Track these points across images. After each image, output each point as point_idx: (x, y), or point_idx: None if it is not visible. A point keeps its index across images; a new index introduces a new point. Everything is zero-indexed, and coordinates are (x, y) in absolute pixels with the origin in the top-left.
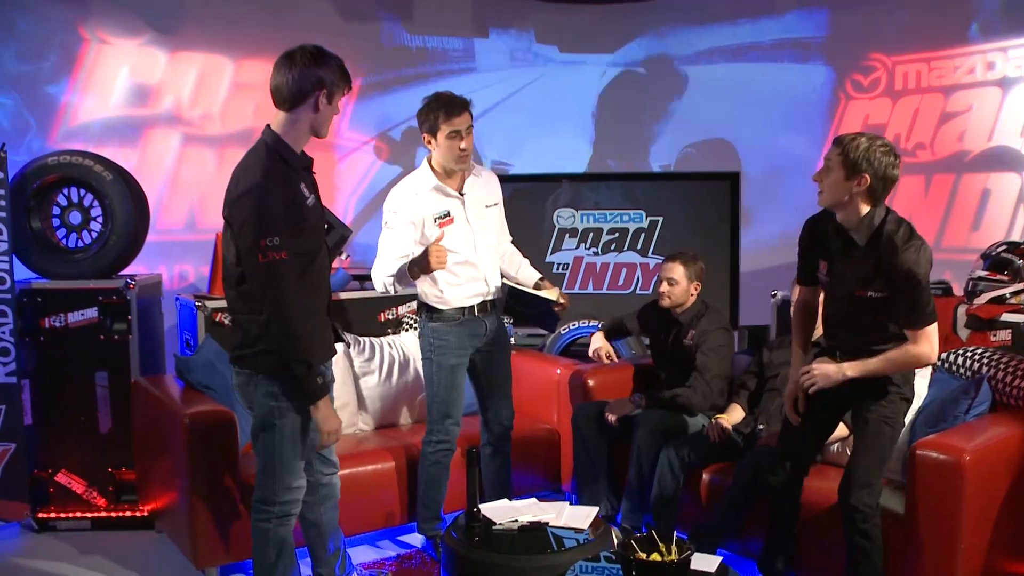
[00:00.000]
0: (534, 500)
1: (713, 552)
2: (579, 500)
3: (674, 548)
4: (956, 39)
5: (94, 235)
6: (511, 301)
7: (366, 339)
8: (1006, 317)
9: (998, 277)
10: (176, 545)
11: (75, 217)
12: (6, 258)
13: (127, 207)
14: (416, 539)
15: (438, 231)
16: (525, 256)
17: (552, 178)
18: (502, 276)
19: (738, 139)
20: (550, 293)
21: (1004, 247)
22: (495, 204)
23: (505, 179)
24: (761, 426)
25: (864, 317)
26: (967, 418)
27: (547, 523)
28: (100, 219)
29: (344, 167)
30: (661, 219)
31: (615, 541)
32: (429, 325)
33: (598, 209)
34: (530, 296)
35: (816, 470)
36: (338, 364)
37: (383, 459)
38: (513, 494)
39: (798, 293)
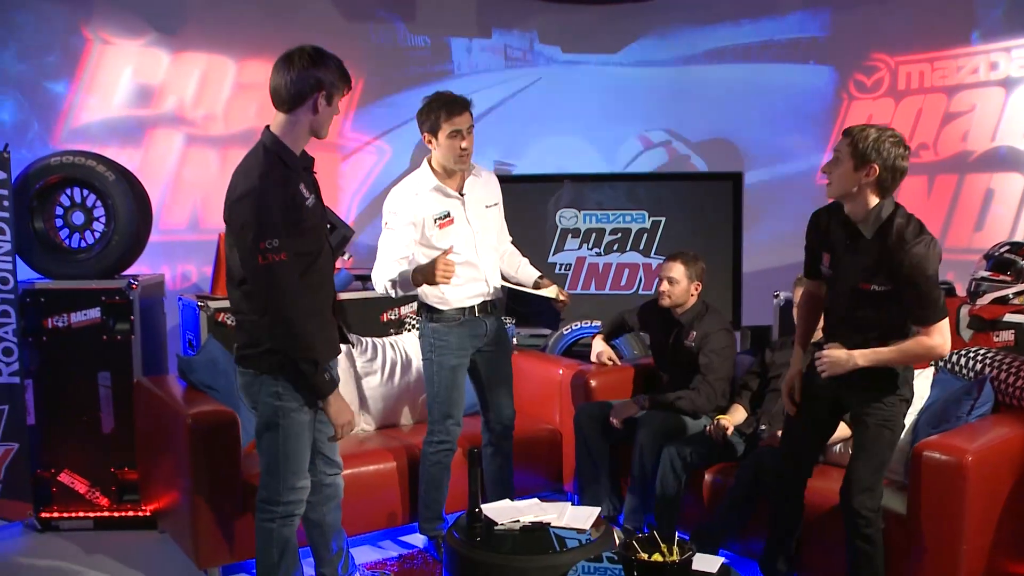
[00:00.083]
0: (536, 500)
1: (715, 553)
2: (581, 501)
3: (675, 549)
4: (959, 39)
5: (97, 235)
6: (511, 303)
7: (368, 339)
8: (1009, 318)
9: (1001, 278)
10: (178, 545)
11: (78, 217)
12: (9, 258)
13: (130, 207)
14: (418, 539)
15: (438, 231)
16: (528, 257)
17: (554, 178)
18: (502, 277)
19: (741, 139)
20: (549, 291)
21: (1007, 247)
22: (495, 204)
23: (507, 179)
24: (763, 427)
25: (866, 312)
26: (970, 419)
27: (549, 523)
28: (103, 219)
29: (347, 167)
30: (664, 219)
31: (617, 541)
32: (429, 325)
33: (600, 209)
34: (529, 295)
35: (818, 471)
36: (340, 364)
37: (385, 459)
38: (515, 494)
39: (803, 287)
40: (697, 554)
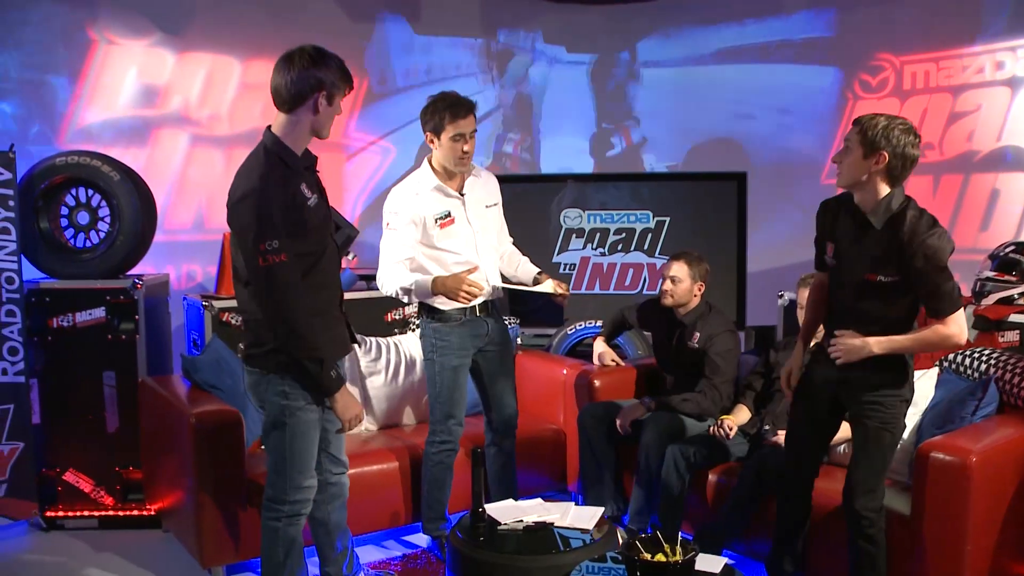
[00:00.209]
0: (539, 500)
1: (718, 553)
2: (585, 501)
3: (679, 549)
4: (964, 39)
5: (102, 235)
6: (512, 303)
7: (372, 339)
8: (1014, 318)
9: (1006, 278)
10: (183, 544)
11: (83, 217)
12: (15, 258)
13: (134, 207)
14: (421, 539)
15: (439, 231)
16: (532, 257)
17: (558, 178)
18: (504, 279)
19: (745, 139)
20: (545, 286)
21: (1012, 248)
22: (495, 204)
23: (511, 179)
24: (767, 427)
25: (870, 303)
26: (974, 419)
27: (552, 523)
28: (108, 219)
29: (352, 167)
30: (668, 219)
31: (620, 542)
32: (431, 326)
33: (605, 209)
34: (527, 293)
35: (824, 471)
36: (343, 364)
37: (388, 459)
38: (519, 494)
39: (807, 287)
40: (700, 554)
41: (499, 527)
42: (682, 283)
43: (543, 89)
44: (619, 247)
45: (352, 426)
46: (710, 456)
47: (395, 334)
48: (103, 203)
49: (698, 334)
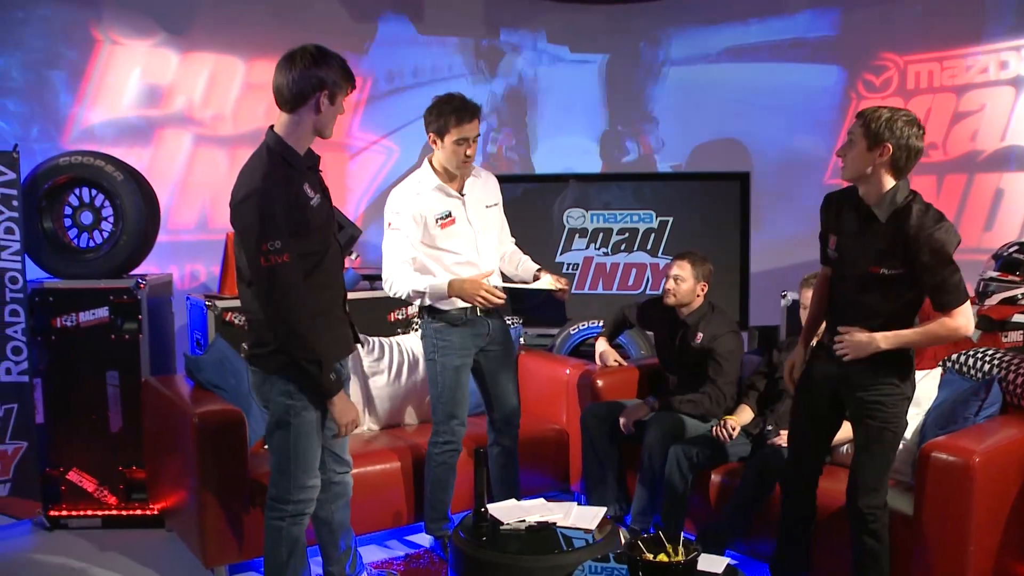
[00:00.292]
0: (542, 500)
1: (721, 553)
2: (588, 501)
3: (681, 549)
4: (969, 38)
5: (105, 235)
6: (513, 303)
7: (375, 339)
8: (1017, 318)
9: (1010, 278)
10: (186, 543)
11: (86, 217)
12: (18, 258)
13: (138, 207)
14: (424, 539)
15: (440, 231)
16: (536, 257)
17: (562, 178)
18: (505, 278)
19: (749, 139)
20: (543, 282)
21: (1016, 248)
22: (495, 204)
23: (515, 179)
24: (770, 427)
25: (872, 297)
26: (977, 420)
27: (555, 523)
28: (111, 219)
29: (355, 167)
30: (671, 219)
31: (623, 541)
32: (432, 326)
33: (608, 209)
34: (526, 291)
35: (827, 471)
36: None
37: (391, 459)
38: (521, 494)
39: (820, 273)
40: (703, 555)
41: (502, 527)
42: (685, 283)
43: (545, 89)
44: (622, 247)
45: (348, 431)
46: (713, 456)
47: (398, 334)
48: (107, 203)
49: (701, 334)
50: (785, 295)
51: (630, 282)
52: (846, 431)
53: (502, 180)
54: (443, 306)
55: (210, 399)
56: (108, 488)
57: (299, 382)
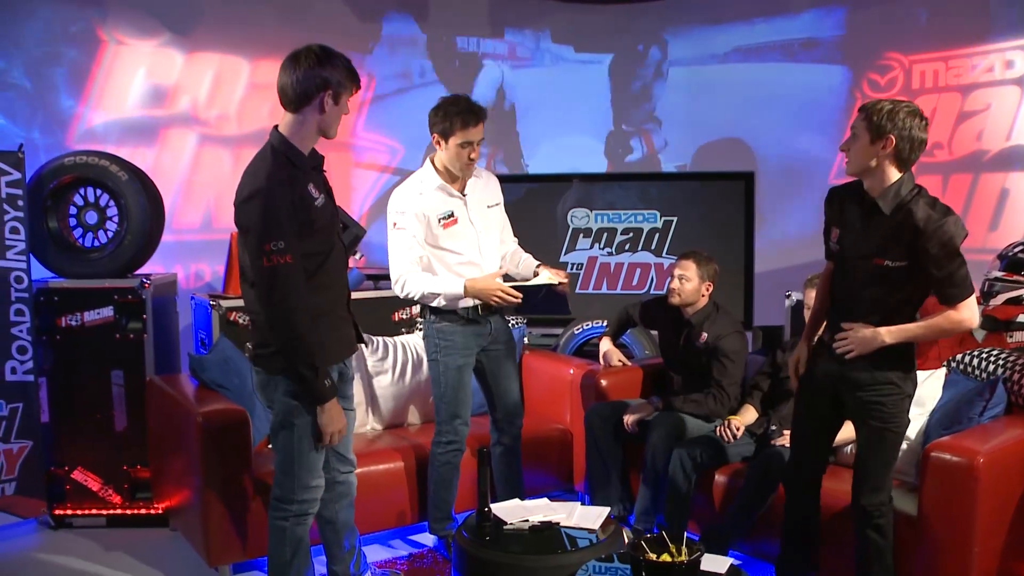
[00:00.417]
0: (546, 500)
1: (724, 553)
2: (591, 501)
3: (684, 549)
4: (973, 38)
5: (110, 235)
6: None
7: (379, 339)
8: (1022, 318)
9: (1015, 278)
10: (190, 543)
11: (91, 217)
12: (23, 257)
13: (143, 207)
14: (428, 539)
15: (443, 231)
16: (540, 256)
17: (566, 178)
18: (508, 277)
19: (753, 139)
20: (542, 278)
21: (1021, 248)
22: (496, 204)
23: (519, 179)
24: (774, 427)
25: (874, 291)
26: (982, 420)
27: (558, 523)
28: (116, 219)
29: (359, 167)
30: (675, 219)
31: (626, 541)
32: (434, 326)
33: (612, 209)
34: (527, 288)
35: (831, 471)
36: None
37: (394, 459)
38: (525, 494)
39: (825, 268)
40: (706, 555)
41: (505, 527)
42: (690, 282)
43: (551, 89)
44: (626, 247)
45: (333, 441)
46: (716, 456)
47: (402, 333)
48: (111, 203)
49: (705, 334)
50: (789, 295)
51: (634, 282)
52: (848, 431)
53: (506, 180)
54: (445, 306)
55: (214, 399)
56: (112, 487)
57: (296, 384)
